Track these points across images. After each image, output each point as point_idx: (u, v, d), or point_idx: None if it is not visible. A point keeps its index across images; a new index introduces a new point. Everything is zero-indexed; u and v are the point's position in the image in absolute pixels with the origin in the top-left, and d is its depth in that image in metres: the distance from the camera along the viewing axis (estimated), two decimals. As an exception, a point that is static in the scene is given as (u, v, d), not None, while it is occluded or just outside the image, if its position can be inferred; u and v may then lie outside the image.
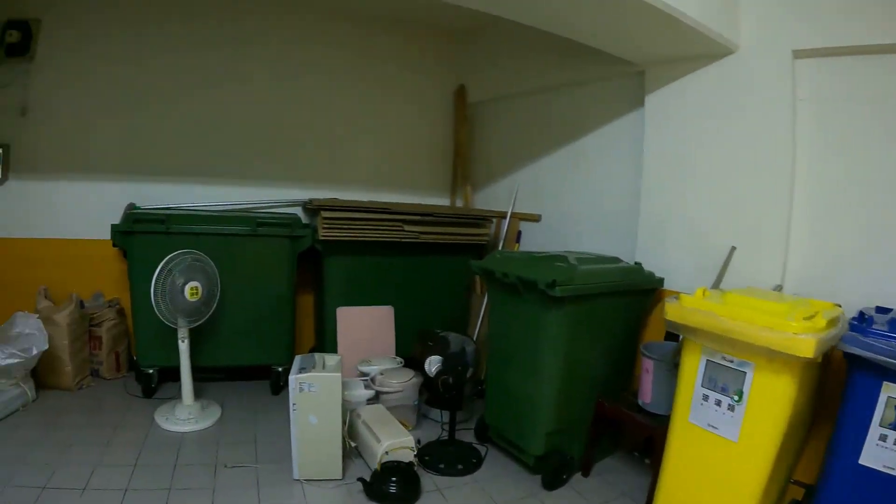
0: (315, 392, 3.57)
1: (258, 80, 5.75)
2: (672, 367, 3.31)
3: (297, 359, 3.91)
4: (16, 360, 4.31)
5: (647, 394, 3.59)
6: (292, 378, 3.58)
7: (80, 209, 5.46)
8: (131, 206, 5.10)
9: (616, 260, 4.10)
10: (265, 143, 5.83)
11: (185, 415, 4.38)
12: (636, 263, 4.13)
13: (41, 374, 4.86)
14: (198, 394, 4.60)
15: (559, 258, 3.69)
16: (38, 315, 4.72)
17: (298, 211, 5.70)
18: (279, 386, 5.06)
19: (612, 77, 4.67)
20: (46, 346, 4.51)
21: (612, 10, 3.27)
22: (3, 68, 5.28)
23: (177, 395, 4.63)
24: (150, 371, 4.85)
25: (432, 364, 4.14)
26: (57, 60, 5.35)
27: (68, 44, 5.35)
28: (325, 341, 5.12)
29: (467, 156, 6.21)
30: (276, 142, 5.86)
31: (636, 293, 4.00)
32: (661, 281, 4.10)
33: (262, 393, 5.06)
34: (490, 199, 6.01)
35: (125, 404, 4.73)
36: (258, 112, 5.78)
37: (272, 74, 5.78)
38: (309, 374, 3.59)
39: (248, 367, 5.15)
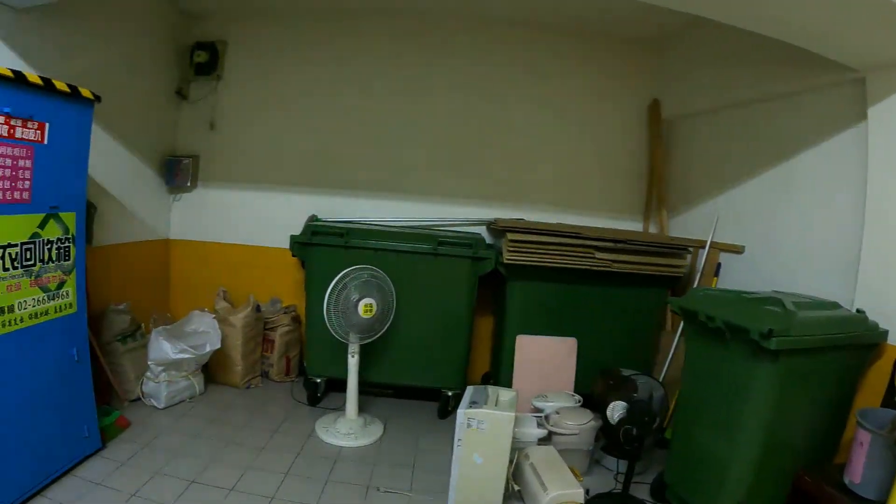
0: (484, 430, 3.30)
1: (442, 96, 5.62)
2: (893, 443, 2.70)
3: (469, 390, 3.64)
4: (187, 356, 4.50)
5: (857, 472, 2.89)
6: (461, 412, 3.33)
7: (263, 218, 5.72)
8: (313, 218, 5.19)
9: (835, 306, 3.37)
10: (446, 159, 5.66)
11: (347, 429, 4.30)
12: (858, 311, 3.46)
13: (212, 369, 5.08)
14: (362, 408, 4.52)
15: (773, 301, 3.05)
16: (214, 315, 4.90)
17: (479, 230, 5.56)
18: (447, 411, 4.84)
19: (826, 87, 3.94)
20: (219, 346, 4.68)
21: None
22: (193, 86, 5.78)
23: (341, 407, 4.59)
24: (318, 380, 4.85)
25: (615, 410, 3.71)
26: (241, 78, 5.72)
27: (251, 63, 5.70)
28: (501, 369, 4.81)
29: (662, 177, 5.59)
30: (458, 158, 5.67)
31: (856, 348, 3.34)
32: (884, 334, 3.40)
33: (428, 415, 4.86)
34: (687, 225, 5.24)
35: (288, 409, 4.77)
36: (441, 127, 5.65)
37: (456, 90, 5.62)
38: (480, 409, 3.33)
39: (416, 388, 4.98)
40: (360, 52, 5.58)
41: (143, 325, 4.89)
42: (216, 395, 4.94)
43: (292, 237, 4.70)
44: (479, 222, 5.53)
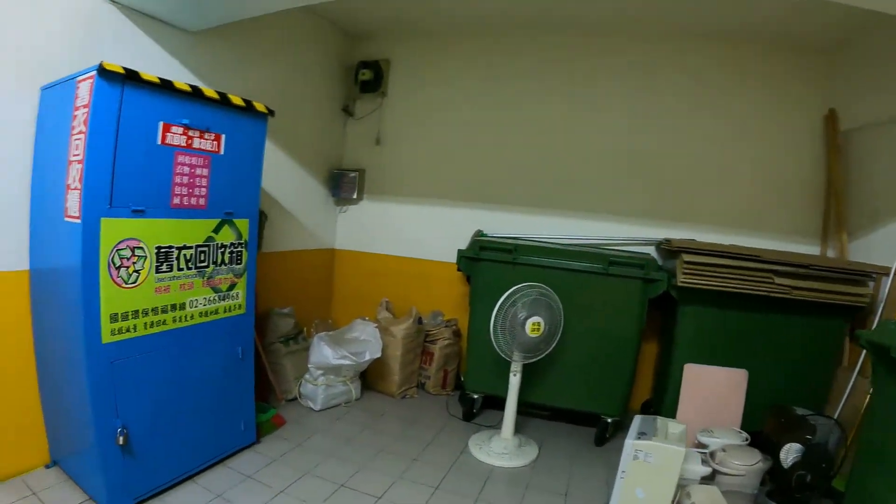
0: (651, 463, 3.15)
1: (605, 109, 5.40)
2: None
3: (637, 420, 3.51)
4: (347, 362, 4.69)
5: None
6: (629, 442, 3.21)
7: (425, 231, 5.89)
8: (478, 233, 5.25)
9: None
10: (611, 174, 5.41)
11: (501, 448, 4.24)
12: None
13: (370, 376, 5.25)
14: (517, 428, 4.43)
15: None
16: (376, 324, 5.07)
17: (643, 249, 5.26)
18: (604, 438, 4.61)
19: None
20: (379, 355, 4.84)
21: None
22: (359, 103, 6.13)
23: (496, 425, 4.56)
24: (475, 396, 4.85)
25: (790, 453, 3.40)
26: (404, 95, 5.96)
27: (413, 80, 5.92)
28: (664, 398, 4.53)
29: (841, 195, 5.01)
30: (623, 173, 5.39)
31: None
32: None
33: (584, 441, 4.64)
34: (869, 249, 4.68)
35: (442, 422, 4.80)
36: (610, 144, 5.41)
37: (619, 103, 5.38)
38: (649, 442, 3.20)
39: (573, 411, 4.77)
40: (522, 67, 5.58)
41: (305, 329, 5.16)
42: (371, 402, 5.09)
43: (460, 252, 4.73)
44: (647, 242, 5.26)
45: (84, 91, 2.80)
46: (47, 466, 3.55)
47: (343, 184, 5.93)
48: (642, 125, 5.33)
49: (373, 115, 6.00)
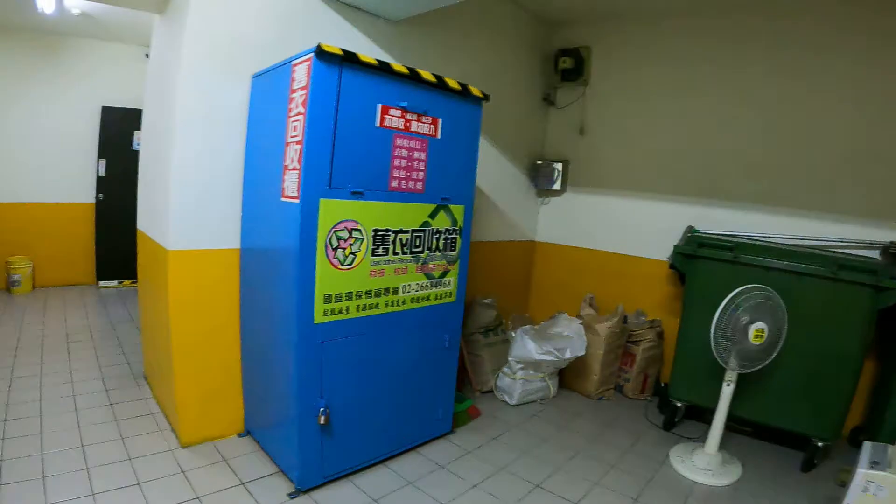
0: (881, 498, 2.65)
1: (840, 97, 4.38)
2: None
3: (867, 447, 2.96)
4: (550, 358, 4.36)
5: None
6: (861, 472, 2.72)
7: (630, 225, 5.36)
8: (690, 230, 4.68)
9: None
10: (841, 168, 4.41)
11: (704, 464, 3.74)
12: None
13: (567, 374, 4.89)
14: (720, 443, 3.90)
15: None
16: (581, 321, 4.73)
17: (865, 253, 4.32)
18: (812, 463, 3.92)
19: None
20: (583, 353, 4.45)
21: None
22: (560, 91, 5.71)
23: (697, 438, 4.11)
24: (678, 404, 4.34)
25: None
26: (607, 82, 5.46)
27: (616, 66, 5.39)
28: (882, 426, 3.81)
29: None
30: (847, 168, 4.39)
31: None
32: None
33: (790, 465, 4.01)
34: None
35: (640, 430, 4.36)
36: (835, 133, 4.42)
37: (859, 89, 4.32)
38: (885, 473, 2.71)
39: (780, 430, 4.15)
40: (742, 49, 4.74)
41: (504, 321, 4.94)
42: (567, 401, 4.76)
43: (676, 248, 4.26)
44: (870, 245, 4.30)
45: (301, 73, 2.70)
46: (240, 435, 3.61)
47: (546, 175, 5.61)
48: (872, 111, 4.26)
49: (575, 104, 5.60)
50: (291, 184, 2.73)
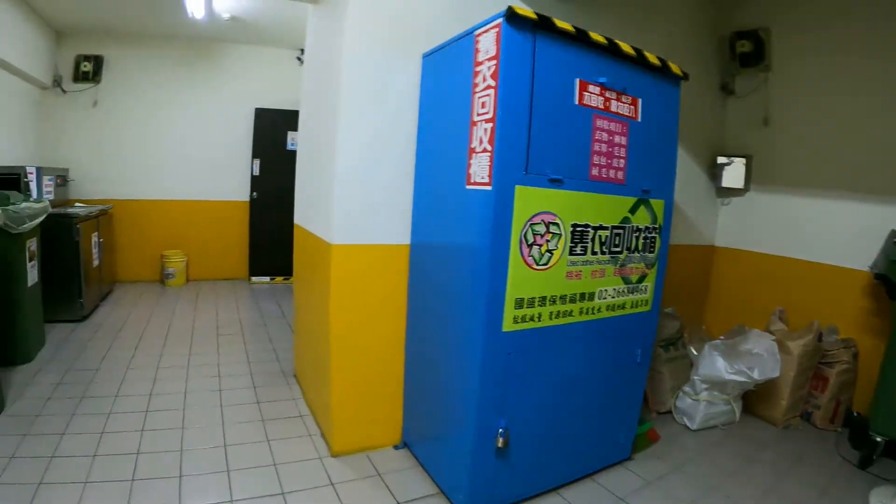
0: None
1: None
2: None
3: None
4: (741, 379, 3.68)
5: None
6: None
7: (825, 230, 4.44)
8: (894, 234, 3.89)
9: None
10: None
11: (911, 508, 2.96)
12: None
13: (751, 397, 4.13)
14: None
15: None
16: (773, 337, 4.02)
17: None
18: None
19: None
20: (777, 374, 3.70)
21: None
22: (738, 79, 4.89)
23: (899, 479, 3.28)
24: (879, 440, 3.58)
25: None
26: (793, 66, 4.55)
27: (804, 48, 4.47)
28: None
29: None
30: None
31: None
32: None
33: None
34: None
35: (833, 466, 3.58)
36: None
37: None
38: None
39: None
40: None
41: (684, 333, 4.31)
42: (750, 427, 4.02)
43: (888, 255, 3.50)
44: None
45: (487, 42, 2.26)
46: (396, 447, 3.24)
47: (727, 172, 4.85)
48: None
49: (756, 92, 4.77)
50: (481, 168, 2.27)
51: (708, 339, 4.20)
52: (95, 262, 5.92)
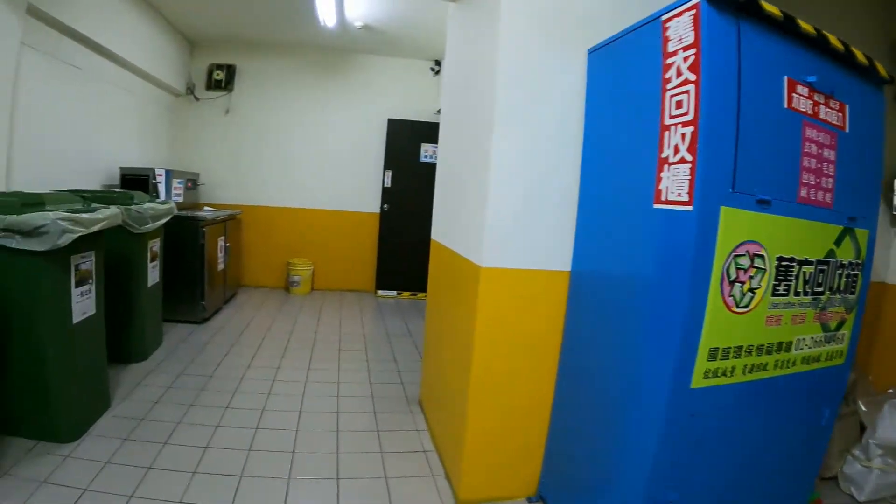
0: None
1: None
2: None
3: None
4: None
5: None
6: None
7: None
8: None
9: None
10: None
11: None
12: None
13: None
14: None
15: None
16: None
17: None
18: None
19: None
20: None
21: None
22: None
23: None
24: None
25: None
26: None
27: None
28: None
29: None
30: None
31: None
32: None
33: None
34: None
35: None
36: None
37: None
38: None
39: None
40: None
41: (854, 387, 3.63)
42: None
43: None
44: None
45: (680, 29, 1.78)
46: (530, 499, 2.74)
47: (900, 200, 4.12)
48: None
49: None
50: (676, 183, 1.76)
51: (875, 394, 3.52)
52: (220, 266, 5.78)
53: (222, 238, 5.83)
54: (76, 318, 3.05)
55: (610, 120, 2.29)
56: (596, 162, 2.39)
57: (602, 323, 2.25)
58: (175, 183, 5.66)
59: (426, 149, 7.07)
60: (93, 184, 4.97)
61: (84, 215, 2.93)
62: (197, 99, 7.09)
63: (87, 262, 3.15)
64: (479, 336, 2.51)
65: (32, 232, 2.69)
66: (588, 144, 2.47)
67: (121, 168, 5.32)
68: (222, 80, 7.00)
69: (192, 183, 6.39)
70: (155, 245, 4.33)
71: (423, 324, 5.55)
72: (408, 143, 7.12)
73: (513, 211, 2.48)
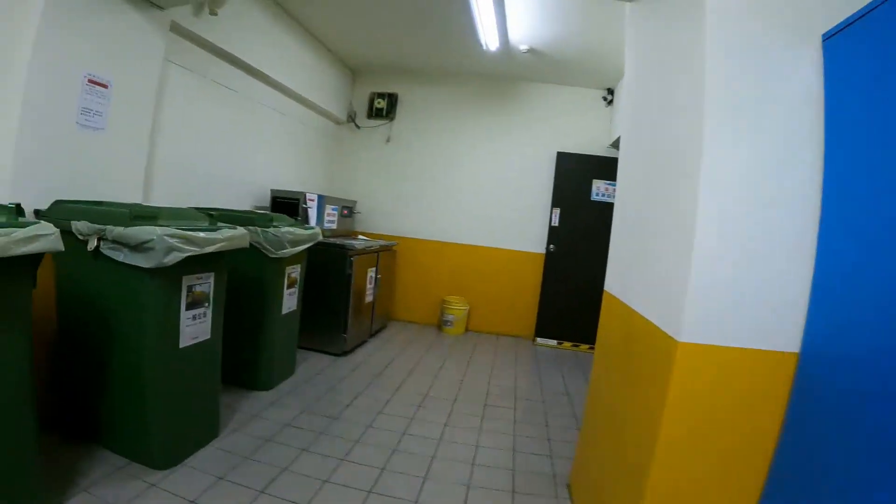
0: None
1: None
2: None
3: None
4: None
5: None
6: None
7: None
8: None
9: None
10: None
11: None
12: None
13: None
14: None
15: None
16: None
17: None
18: None
19: None
20: None
21: None
22: None
23: None
24: None
25: None
26: None
27: None
28: None
29: None
30: None
31: None
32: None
33: None
34: None
35: None
36: None
37: None
38: None
39: None
40: None
41: None
42: None
43: None
44: None
45: None
46: None
47: None
48: None
49: None
50: None
51: None
52: (369, 298, 5.38)
53: (373, 269, 5.45)
54: (185, 342, 2.74)
55: (874, 132, 1.46)
56: (854, 191, 1.55)
57: (855, 432, 1.38)
58: (329, 209, 5.38)
59: (598, 186, 6.25)
60: (243, 204, 4.87)
61: (200, 234, 2.61)
62: (358, 127, 6.97)
63: (204, 284, 2.83)
64: (666, 431, 1.76)
65: (139, 247, 2.41)
66: (836, 167, 1.64)
67: (272, 191, 5.18)
68: (384, 108, 6.80)
69: (348, 210, 6.15)
70: (294, 271, 4.00)
71: (584, 385, 4.71)
72: (578, 179, 6.34)
73: (731, 266, 1.72)
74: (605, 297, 2.82)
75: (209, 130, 4.29)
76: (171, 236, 2.41)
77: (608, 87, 6.28)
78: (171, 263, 2.41)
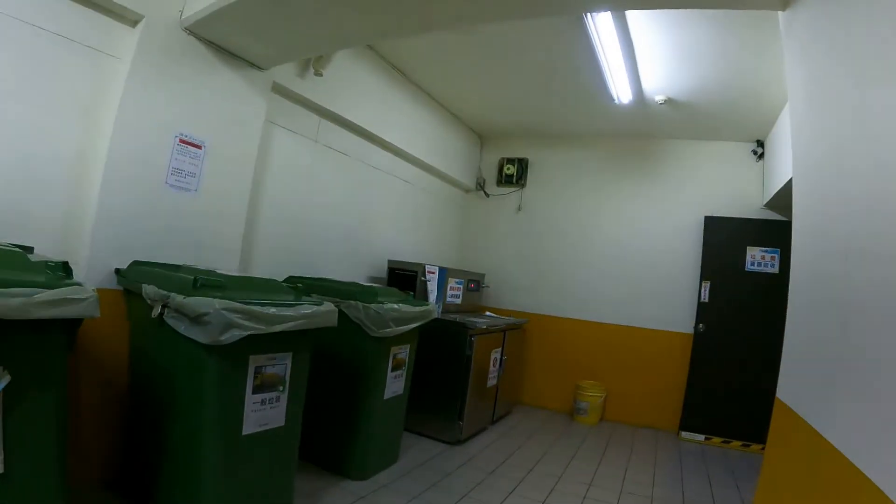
0: None
1: None
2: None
3: None
4: None
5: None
6: None
7: None
8: None
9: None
10: None
11: None
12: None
13: None
14: None
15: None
16: None
17: None
18: None
19: None
20: None
21: None
22: None
23: None
24: None
25: None
26: None
27: None
28: None
29: None
30: None
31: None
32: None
33: None
34: None
35: None
36: None
37: None
38: None
39: None
40: None
41: None
42: None
43: None
44: None
45: None
46: None
47: None
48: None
49: None
50: None
51: None
52: (491, 381, 4.89)
53: (498, 350, 4.96)
54: (249, 429, 2.43)
55: None
56: None
57: None
58: (452, 282, 5.00)
59: (753, 253, 5.32)
60: (357, 275, 4.63)
61: (269, 310, 2.30)
62: (487, 195, 6.62)
63: (278, 366, 2.53)
64: None
65: (197, 318, 2.14)
66: None
67: (389, 261, 4.92)
68: (513, 174, 6.44)
69: (475, 284, 5.73)
70: (401, 352, 3.64)
71: (735, 493, 3.85)
72: (729, 246, 5.47)
73: None
74: (777, 406, 2.08)
75: (319, 196, 4.13)
76: (231, 311, 2.12)
77: (757, 138, 5.45)
78: (229, 342, 2.10)
